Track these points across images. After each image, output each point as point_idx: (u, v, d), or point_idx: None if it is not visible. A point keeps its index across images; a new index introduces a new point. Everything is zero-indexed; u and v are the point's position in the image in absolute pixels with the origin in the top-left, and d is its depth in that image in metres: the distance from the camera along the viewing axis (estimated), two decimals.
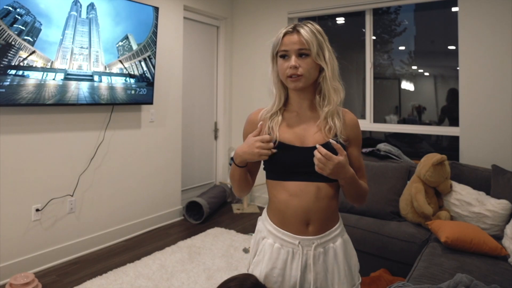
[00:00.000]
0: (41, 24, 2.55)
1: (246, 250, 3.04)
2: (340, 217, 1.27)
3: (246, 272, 1.27)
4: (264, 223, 1.25)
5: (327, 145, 1.13)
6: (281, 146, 1.17)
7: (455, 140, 3.29)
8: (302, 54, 1.14)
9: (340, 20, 4.24)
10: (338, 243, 1.20)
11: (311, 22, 1.20)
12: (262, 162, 1.24)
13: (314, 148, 1.12)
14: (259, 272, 1.20)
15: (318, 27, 1.19)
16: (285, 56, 1.16)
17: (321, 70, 1.18)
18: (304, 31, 1.15)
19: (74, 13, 2.75)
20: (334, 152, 1.10)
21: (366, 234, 2.56)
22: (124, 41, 3.11)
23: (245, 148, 1.17)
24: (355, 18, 4.01)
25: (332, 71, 1.18)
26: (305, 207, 1.15)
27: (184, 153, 4.04)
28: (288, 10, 4.16)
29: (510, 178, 2.52)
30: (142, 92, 3.30)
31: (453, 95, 3.49)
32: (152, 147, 3.60)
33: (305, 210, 1.15)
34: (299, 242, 1.16)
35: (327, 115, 1.18)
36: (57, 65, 2.67)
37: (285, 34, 1.17)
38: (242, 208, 4.23)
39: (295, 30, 1.16)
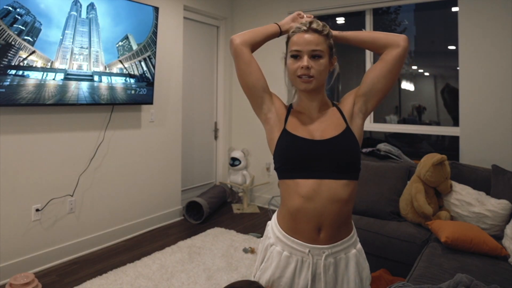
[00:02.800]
0: (41, 24, 2.55)
1: (246, 250, 3.04)
2: (354, 227, 1.23)
3: (251, 275, 1.26)
4: (273, 229, 1.22)
5: (339, 137, 1.15)
6: (292, 138, 1.16)
7: (455, 140, 3.29)
8: (315, 55, 1.13)
9: (340, 20, 4.23)
10: (350, 254, 1.16)
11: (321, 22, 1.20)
12: (273, 160, 1.21)
13: (326, 141, 1.13)
14: (266, 279, 1.17)
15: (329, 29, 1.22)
16: (296, 56, 1.15)
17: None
18: (319, 30, 1.15)
19: (74, 13, 2.75)
20: (350, 142, 1.15)
21: (366, 234, 2.56)
22: (124, 41, 3.11)
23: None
24: (355, 18, 4.01)
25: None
26: (318, 211, 1.11)
27: (184, 153, 4.04)
28: (288, 10, 4.16)
29: (510, 178, 2.52)
30: (142, 92, 3.30)
31: (449, 94, 3.50)
32: (152, 147, 3.60)
33: (317, 214, 1.11)
34: (309, 251, 1.12)
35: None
36: (57, 65, 2.67)
37: (298, 31, 1.16)
38: (242, 208, 4.23)
39: (309, 29, 1.15)
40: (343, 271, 1.15)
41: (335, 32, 1.22)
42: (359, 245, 1.22)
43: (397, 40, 1.15)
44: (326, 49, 1.15)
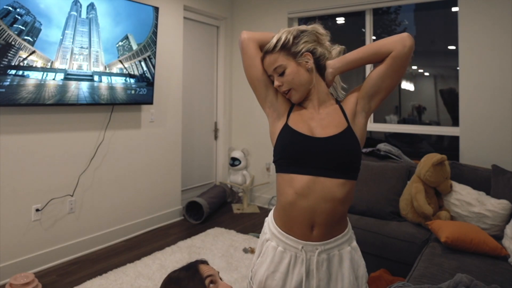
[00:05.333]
0: (41, 24, 2.55)
1: (246, 250, 3.04)
2: (350, 224, 1.23)
3: (249, 270, 1.27)
4: (269, 225, 1.24)
5: (339, 136, 1.15)
6: (293, 133, 1.17)
7: (455, 140, 3.29)
8: (279, 73, 1.20)
9: (340, 20, 4.23)
10: (344, 251, 1.17)
11: (284, 29, 1.23)
12: (273, 153, 1.23)
13: (326, 139, 1.14)
14: (261, 273, 1.18)
15: (287, 29, 1.22)
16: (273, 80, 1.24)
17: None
18: (269, 50, 1.20)
19: (74, 13, 2.75)
20: (350, 142, 1.15)
21: (366, 234, 2.56)
22: (124, 41, 3.11)
23: None
24: (355, 18, 4.01)
25: (315, 65, 1.22)
26: (311, 208, 1.11)
27: (184, 153, 4.04)
28: (288, 10, 4.17)
29: (510, 178, 2.52)
30: (142, 92, 3.30)
31: (448, 95, 3.51)
32: (152, 147, 3.60)
33: (311, 211, 1.12)
34: (302, 247, 1.13)
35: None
36: (57, 65, 2.67)
37: (263, 59, 1.23)
38: (242, 208, 4.23)
39: (265, 54, 1.22)
40: (336, 268, 1.15)
41: (332, 66, 1.21)
42: (354, 243, 1.22)
43: (401, 40, 1.11)
44: (285, 60, 1.18)
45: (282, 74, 1.19)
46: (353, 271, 1.17)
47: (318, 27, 1.24)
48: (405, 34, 1.11)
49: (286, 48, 1.19)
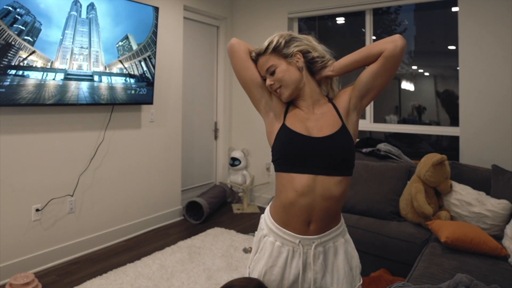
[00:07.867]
0: (41, 24, 2.55)
1: (246, 250, 3.04)
2: (342, 217, 1.27)
3: (246, 268, 1.29)
4: (266, 221, 1.26)
5: (335, 135, 1.17)
6: (291, 134, 1.19)
7: (455, 140, 3.29)
8: (270, 72, 1.22)
9: (340, 20, 4.23)
10: (338, 243, 1.21)
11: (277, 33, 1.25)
12: (271, 152, 1.25)
13: (323, 139, 1.16)
14: (259, 269, 1.21)
15: (280, 33, 1.25)
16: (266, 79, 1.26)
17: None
18: (261, 53, 1.24)
19: (74, 13, 2.75)
20: (346, 140, 1.17)
21: (366, 234, 2.56)
22: (124, 41, 3.11)
23: None
24: (355, 18, 4.01)
25: (307, 63, 1.24)
26: (310, 206, 1.15)
27: (184, 153, 4.04)
28: (288, 10, 4.17)
29: (510, 178, 2.52)
30: (142, 92, 3.30)
31: (448, 96, 3.51)
32: (152, 147, 3.60)
33: (309, 208, 1.15)
34: (299, 241, 1.17)
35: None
36: (57, 65, 2.67)
37: (256, 61, 1.26)
38: (242, 208, 4.23)
39: (257, 56, 1.25)
40: (332, 260, 1.19)
41: (330, 69, 1.24)
42: (347, 235, 1.26)
43: (393, 41, 1.13)
44: (276, 60, 1.21)
45: (273, 73, 1.21)
46: (348, 262, 1.21)
47: (311, 38, 1.27)
48: (397, 36, 1.14)
49: (277, 50, 1.22)
